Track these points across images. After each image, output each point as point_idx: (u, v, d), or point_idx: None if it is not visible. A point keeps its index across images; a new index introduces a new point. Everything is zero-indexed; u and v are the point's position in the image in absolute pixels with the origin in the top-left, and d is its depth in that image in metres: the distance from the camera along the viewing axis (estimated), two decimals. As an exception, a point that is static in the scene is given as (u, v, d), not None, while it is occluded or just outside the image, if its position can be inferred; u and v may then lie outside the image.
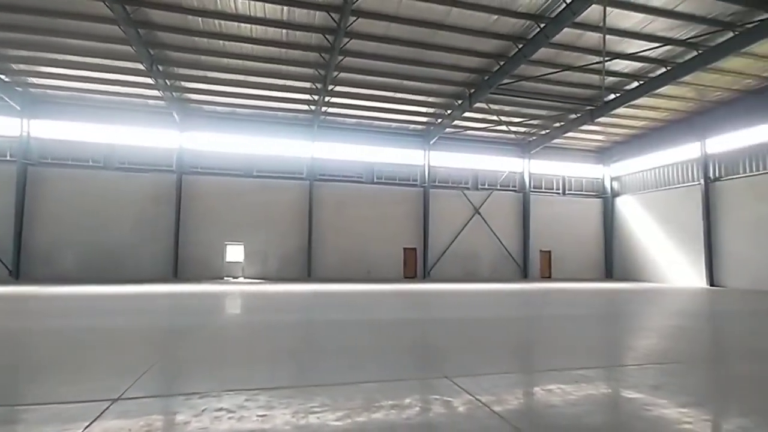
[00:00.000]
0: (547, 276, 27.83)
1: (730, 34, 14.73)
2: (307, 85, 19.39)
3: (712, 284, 21.89)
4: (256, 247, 23.49)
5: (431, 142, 25.74)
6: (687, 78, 17.93)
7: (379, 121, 24.22)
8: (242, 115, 23.19)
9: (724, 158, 21.89)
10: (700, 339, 8.16)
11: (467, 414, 3.86)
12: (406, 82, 19.24)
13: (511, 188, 27.91)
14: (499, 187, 27.60)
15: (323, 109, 22.12)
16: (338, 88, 19.89)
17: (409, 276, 25.57)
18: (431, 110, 22.60)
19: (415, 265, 25.77)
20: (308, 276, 23.81)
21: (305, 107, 21.94)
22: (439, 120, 23.66)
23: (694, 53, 16.16)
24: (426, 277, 25.50)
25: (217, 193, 23.14)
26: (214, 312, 10.95)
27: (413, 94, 20.42)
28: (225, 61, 17.37)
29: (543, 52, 16.45)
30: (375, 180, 25.71)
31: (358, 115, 23.34)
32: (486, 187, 27.45)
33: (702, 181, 22.65)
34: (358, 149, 25.77)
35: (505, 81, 18.47)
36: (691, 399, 4.37)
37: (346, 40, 15.54)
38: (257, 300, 13.47)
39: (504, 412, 3.94)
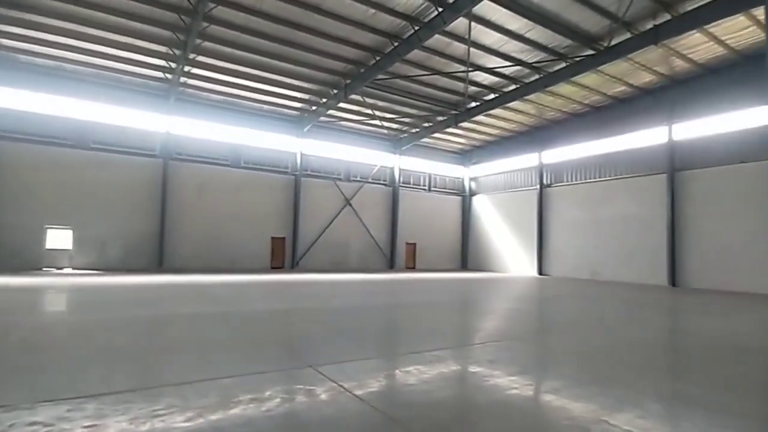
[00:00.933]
0: (411, 267, 29.97)
1: (564, 64, 17.74)
2: (163, 49, 17.29)
3: (541, 273, 26.25)
4: (91, 233, 20.25)
5: (305, 130, 25.42)
6: (531, 96, 21.04)
7: (249, 101, 22.98)
8: (75, 74, 19.58)
9: (554, 168, 26.32)
10: (529, 318, 9.75)
11: (330, 400, 4.00)
12: (279, 63, 18.59)
13: (382, 182, 29.21)
14: (370, 180, 28.66)
15: (182, 79, 20.05)
16: (202, 59, 18.23)
17: (277, 266, 24.99)
18: (306, 96, 22.30)
19: (284, 255, 25.28)
20: (159, 266, 21.50)
21: (159, 74, 19.54)
22: (314, 107, 23.50)
23: (537, 76, 19.04)
24: (295, 267, 25.22)
25: (37, 166, 19.20)
26: (22, 310, 9.19)
27: (287, 76, 19.84)
28: (57, 4, 14.45)
29: (416, 54, 17.56)
30: (242, 164, 24.36)
31: (225, 92, 21.77)
32: (358, 179, 28.25)
33: (538, 186, 26.91)
34: (224, 129, 24.08)
35: (381, 77, 19.22)
36: (519, 369, 5.23)
37: (212, 5, 14.36)
38: (83, 295, 11.68)
39: (365, 395, 4.18)
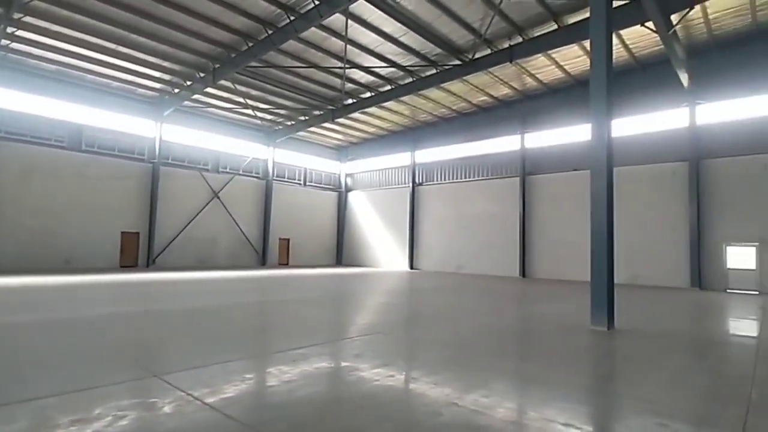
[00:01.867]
0: (284, 263, 29.19)
1: (434, 71, 19.01)
2: (-24, 1, 13.94)
3: (412, 267, 27.84)
4: None
5: (165, 114, 22.88)
6: (405, 98, 22.13)
7: (94, 75, 19.81)
8: None
9: (426, 168, 28.12)
10: (397, 311, 10.20)
11: (173, 412, 3.60)
12: (132, 36, 16.37)
13: (254, 175, 27.84)
14: (242, 173, 27.10)
15: (3, 42, 16.44)
16: (31, 20, 15.15)
17: (129, 264, 22.08)
18: (167, 77, 20.06)
19: (137, 252, 22.44)
20: (-37, 269, 17.29)
21: (-30, 31, 15.70)
22: (177, 90, 21.29)
23: (410, 79, 20.08)
24: (151, 265, 22.58)
25: None
26: None
27: (143, 52, 17.59)
28: None
29: (293, 45, 17.07)
30: (84, 147, 20.91)
31: (62, 62, 18.42)
32: (228, 171, 26.48)
33: (411, 185, 28.46)
34: (61, 105, 20.37)
35: (254, 64, 18.26)
36: (384, 361, 5.39)
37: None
38: None
39: (218, 402, 3.87)
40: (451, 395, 4.20)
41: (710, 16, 15.08)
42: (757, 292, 15.92)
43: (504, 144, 24.17)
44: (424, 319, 9.13)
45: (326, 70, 19.14)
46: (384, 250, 29.95)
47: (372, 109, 24.01)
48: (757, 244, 16.24)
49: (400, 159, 29.64)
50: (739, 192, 16.72)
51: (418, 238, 27.99)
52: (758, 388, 4.69)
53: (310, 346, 6.06)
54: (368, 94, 22.11)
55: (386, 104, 22.95)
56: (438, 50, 17.47)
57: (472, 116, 24.95)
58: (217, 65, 18.61)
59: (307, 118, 25.55)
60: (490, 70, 18.19)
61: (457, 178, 26.33)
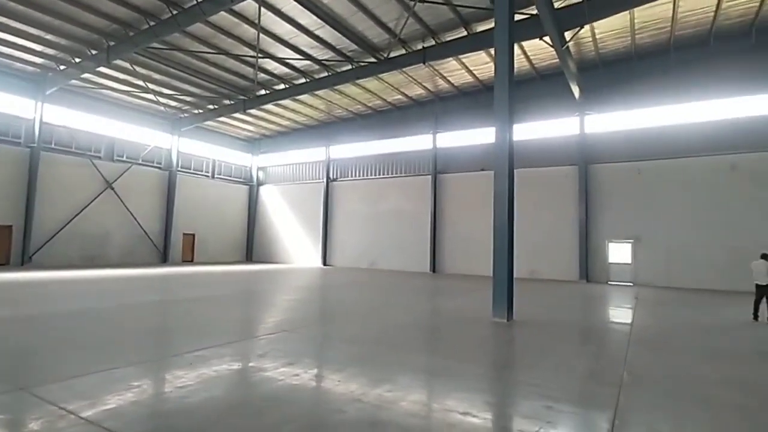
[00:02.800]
0: (189, 260, 27.24)
1: (350, 66, 18.96)
2: None
3: (325, 264, 27.60)
4: None
5: (47, 92, 20.04)
6: (320, 92, 21.81)
7: (-49, 41, 16.73)
8: None
9: (340, 163, 28.01)
10: (307, 308, 10.00)
11: (41, 430, 3.12)
12: (10, 3, 14.11)
13: (156, 165, 25.54)
14: (141, 162, 24.72)
15: None
16: None
17: (-4, 265, 19.04)
18: (50, 51, 17.58)
19: (9, 247, 19.42)
20: None
21: None
22: (63, 67, 18.75)
23: (326, 73, 19.82)
24: (27, 263, 19.69)
25: None
26: None
27: (21, 22, 15.23)
28: None
29: (201, 29, 15.91)
30: (-64, 125, 17.58)
31: None
32: (125, 159, 23.99)
33: (325, 180, 28.16)
34: None
35: (156, 45, 16.71)
36: (290, 360, 5.22)
37: None
38: None
39: (96, 415, 3.44)
40: (356, 391, 4.18)
41: (597, 36, 16.90)
42: (632, 284, 18.24)
43: (417, 143, 24.90)
44: (333, 316, 9.06)
45: (237, 58, 18.15)
46: (297, 246, 29.31)
47: (286, 102, 23.31)
48: (632, 241, 18.60)
49: (314, 154, 29.17)
50: (619, 194, 19.02)
51: (331, 234, 27.81)
52: (630, 370, 5.33)
53: (210, 348, 5.67)
54: (282, 86, 21.41)
55: (301, 97, 22.45)
56: (354, 46, 17.44)
57: (387, 114, 25.35)
58: (112, 43, 16.73)
59: (216, 107, 24.06)
60: (404, 69, 18.58)
61: (371, 175, 26.59)
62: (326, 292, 13.68)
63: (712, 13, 15.32)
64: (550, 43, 14.58)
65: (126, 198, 23.83)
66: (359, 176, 27.09)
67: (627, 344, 6.77)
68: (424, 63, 17.13)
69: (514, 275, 8.76)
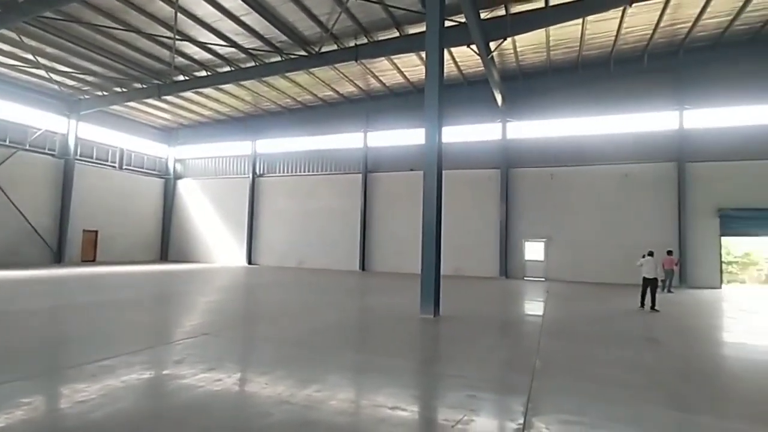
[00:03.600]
0: (90, 259, 24.67)
1: (279, 58, 18.40)
2: None
3: (250, 263, 26.55)
4: None
5: None
6: (247, 83, 20.95)
7: None
8: None
9: (268, 158, 27.10)
10: (229, 310, 9.55)
11: None
12: None
13: (48, 151, 22.75)
14: (29, 147, 21.89)
15: None
16: None
17: None
18: None
19: None
20: None
21: None
22: (-71, 30, 16.06)
23: (253, 63, 19.05)
24: None
25: None
26: None
27: None
28: None
29: (108, 1, 14.48)
30: None
31: None
32: (8, 144, 21.09)
33: (251, 175, 27.09)
34: None
35: (50, 15, 14.91)
36: (210, 365, 4.95)
37: None
38: None
39: (-26, 439, 2.99)
40: (283, 393, 4.07)
41: (518, 49, 18.09)
42: (544, 279, 19.79)
43: (348, 140, 24.88)
44: (259, 317, 8.76)
45: (151, 37, 16.79)
46: (219, 244, 27.87)
47: (208, 90, 22.06)
48: (545, 240, 20.19)
49: (239, 147, 27.92)
50: (534, 197, 20.54)
51: (257, 232, 26.84)
52: (541, 358, 5.78)
53: (117, 357, 5.19)
54: (204, 73, 20.21)
55: (225, 87, 21.39)
56: (283, 37, 16.96)
57: (317, 110, 25.01)
58: (-5, 8, 14.63)
59: (125, 90, 22.06)
60: (336, 65, 18.45)
61: (300, 172, 26.08)
62: (252, 292, 13.17)
63: (613, 38, 17.10)
64: (477, 51, 15.34)
65: (9, 188, 20.99)
66: (288, 172, 26.44)
67: (539, 334, 7.33)
68: (356, 60, 17.14)
69: (441, 273, 9.10)
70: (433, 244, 8.82)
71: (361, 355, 6.01)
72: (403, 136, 23.52)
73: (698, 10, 15.25)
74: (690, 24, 16.20)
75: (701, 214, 18.11)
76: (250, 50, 17.90)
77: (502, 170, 20.92)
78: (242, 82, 20.51)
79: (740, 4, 14.89)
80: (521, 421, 3.58)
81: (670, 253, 15.89)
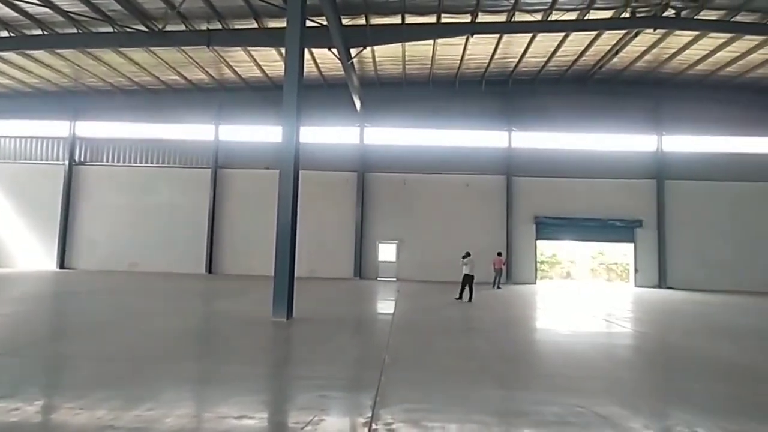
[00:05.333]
0: None
1: (111, 29, 15.94)
2: None
3: (63, 267, 22.27)
4: None
5: None
6: (66, 52, 17.71)
7: None
8: None
9: (92, 144, 23.17)
10: (32, 325, 7.91)
11: None
12: None
13: None
14: None
15: None
16: None
17: None
18: None
19: None
20: None
21: None
22: None
23: (75, 30, 16.12)
24: None
25: None
26: None
27: None
28: None
29: None
30: None
31: None
32: None
33: (68, 162, 22.84)
34: None
35: None
36: (2, 392, 4.01)
37: None
38: None
39: None
40: (104, 418, 3.52)
41: (377, 59, 19.04)
42: (395, 279, 21.12)
43: (196, 132, 22.92)
44: (75, 331, 7.46)
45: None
46: (20, 244, 22.79)
47: (10, 55, 18.02)
48: (397, 241, 21.57)
49: (53, 128, 23.33)
50: (388, 201, 21.81)
51: (75, 230, 22.70)
52: (390, 353, 6.14)
53: None
54: (5, 34, 16.42)
55: (35, 53, 17.75)
56: (117, 6, 14.76)
57: (160, 94, 22.46)
58: None
59: None
60: (183, 48, 16.89)
61: (135, 162, 23.01)
62: (66, 301, 11.11)
63: (458, 61, 19.26)
64: (338, 55, 15.65)
65: None
66: (119, 162, 23.09)
67: (389, 331, 7.80)
68: (208, 46, 15.92)
69: (296, 275, 8.99)
70: (288, 246, 8.67)
71: (204, 364, 5.57)
72: (259, 132, 22.62)
73: (522, 49, 18.16)
74: (516, 59, 19.18)
75: (523, 221, 21.52)
76: (70, 14, 15.13)
77: (359, 174, 21.72)
78: (59, 51, 17.28)
79: (551, 50, 18.20)
80: (369, 414, 3.75)
81: (499, 254, 18.52)
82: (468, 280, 12.61)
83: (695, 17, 15.36)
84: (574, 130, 21.80)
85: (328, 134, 22.36)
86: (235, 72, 19.98)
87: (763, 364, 6.27)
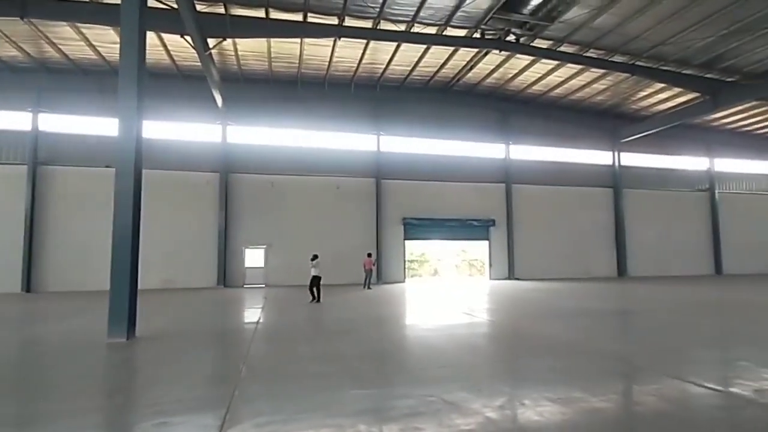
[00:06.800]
0: None
1: None
2: None
3: None
4: None
5: None
6: None
7: None
8: None
9: None
10: None
11: None
12: None
13: None
14: None
15: None
16: None
17: None
18: None
19: None
20: None
21: None
22: None
23: None
24: None
25: None
26: None
27: None
28: None
29: None
30: None
31: None
32: None
33: None
34: None
35: None
36: None
37: None
38: None
39: None
40: None
41: (240, 53, 18.10)
42: (264, 285, 20.23)
43: (9, 120, 19.00)
44: None
45: None
46: None
47: None
48: (265, 246, 20.70)
49: None
50: (255, 203, 20.83)
51: None
52: (248, 365, 5.78)
53: None
54: None
55: None
56: None
57: (-45, 73, 18.19)
58: None
59: None
60: (-12, 17, 13.94)
61: None
62: None
63: (327, 63, 19.35)
64: (193, 44, 14.44)
65: None
66: None
67: (250, 341, 7.37)
68: (23, 18, 13.36)
69: (144, 286, 7.97)
70: (128, 253, 7.64)
71: (17, 406, 4.56)
72: (96, 125, 19.58)
73: (389, 57, 18.99)
74: (384, 66, 19.99)
75: (392, 222, 22.45)
76: None
77: (222, 174, 20.38)
78: None
79: (415, 60, 19.39)
80: (214, 436, 3.43)
81: (369, 255, 19.01)
82: (316, 281, 13.11)
83: (531, 44, 17.83)
84: (437, 137, 23.50)
85: (186, 131, 20.53)
86: (61, 52, 17.13)
87: (580, 339, 7.42)
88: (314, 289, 13.08)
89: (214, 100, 18.98)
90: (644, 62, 19.17)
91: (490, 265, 24.04)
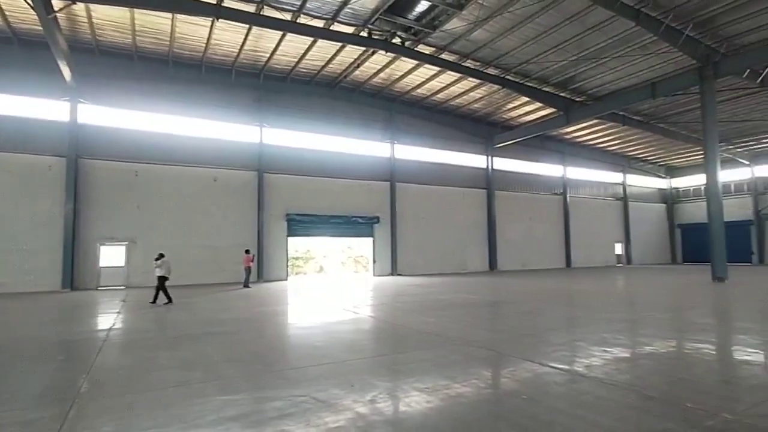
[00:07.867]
0: None
1: None
2: None
3: None
4: None
5: None
6: None
7: None
8: None
9: None
10: None
11: None
12: None
13: None
14: None
15: None
16: None
17: None
18: None
19: None
20: None
21: None
22: None
23: None
24: None
25: None
26: None
27: None
28: None
29: None
30: None
31: None
32: None
33: None
34: None
35: None
36: None
37: None
38: None
39: None
40: None
41: (95, 21, 15.89)
42: (124, 287, 18.02)
43: None
44: None
45: None
46: None
47: None
48: (127, 243, 18.47)
49: None
50: (115, 194, 18.44)
51: None
52: (91, 379, 5.05)
53: None
54: None
55: None
56: None
57: None
58: None
59: None
60: None
61: None
62: None
63: (204, 45, 17.99)
64: (31, 3, 12.25)
65: None
66: None
67: (98, 351, 6.48)
68: None
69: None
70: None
71: None
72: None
73: (273, 45, 18.29)
74: (268, 55, 19.20)
75: (274, 218, 21.68)
76: None
77: (70, 159, 17.62)
78: None
79: (301, 51, 18.98)
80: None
81: (247, 252, 18.10)
82: (161, 282, 12.63)
83: (415, 49, 18.64)
84: (324, 132, 23.24)
85: (21, 106, 17.36)
86: None
87: (452, 330, 7.93)
88: (163, 291, 12.52)
89: (61, 73, 16.33)
90: (512, 77, 21.33)
91: (374, 261, 24.61)
